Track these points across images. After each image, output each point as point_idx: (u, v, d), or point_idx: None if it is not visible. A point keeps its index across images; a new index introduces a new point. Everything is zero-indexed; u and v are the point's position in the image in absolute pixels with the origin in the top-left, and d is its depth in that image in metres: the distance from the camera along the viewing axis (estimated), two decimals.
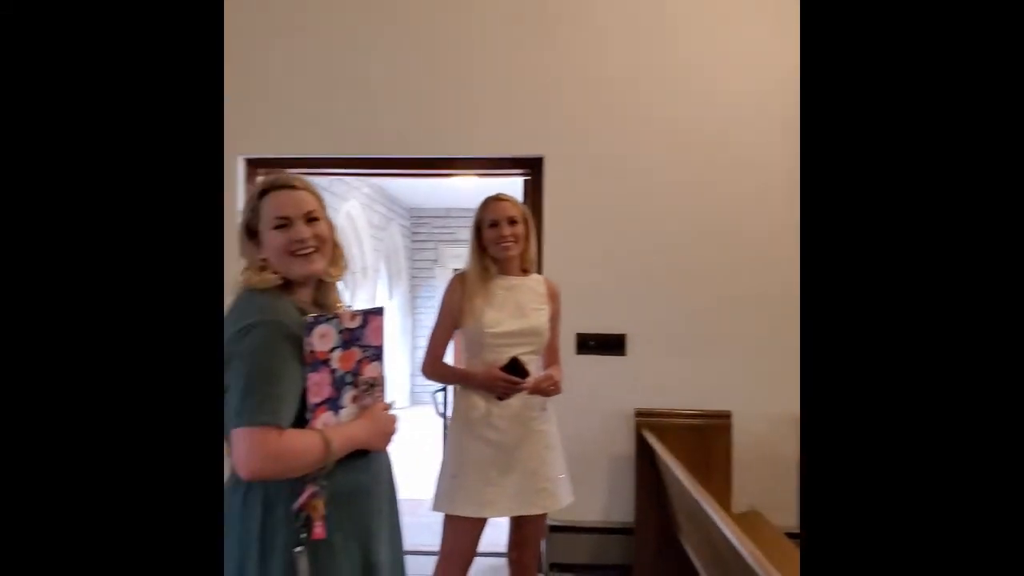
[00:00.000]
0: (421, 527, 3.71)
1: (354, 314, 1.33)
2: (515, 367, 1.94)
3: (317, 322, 1.26)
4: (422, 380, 9.37)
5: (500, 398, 1.97)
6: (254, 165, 3.20)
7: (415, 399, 8.52)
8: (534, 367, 2.05)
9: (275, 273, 1.34)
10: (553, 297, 2.16)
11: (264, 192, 1.37)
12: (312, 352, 1.26)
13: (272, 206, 1.35)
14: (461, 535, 1.99)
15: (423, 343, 8.32)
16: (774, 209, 3.05)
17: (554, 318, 2.13)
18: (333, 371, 1.30)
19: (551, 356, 2.17)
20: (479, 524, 1.99)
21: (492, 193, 2.14)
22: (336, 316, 1.30)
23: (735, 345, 3.05)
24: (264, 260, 1.36)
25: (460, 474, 1.98)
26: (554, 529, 3.02)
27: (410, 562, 3.40)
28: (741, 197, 3.07)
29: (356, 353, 1.34)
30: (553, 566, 3.04)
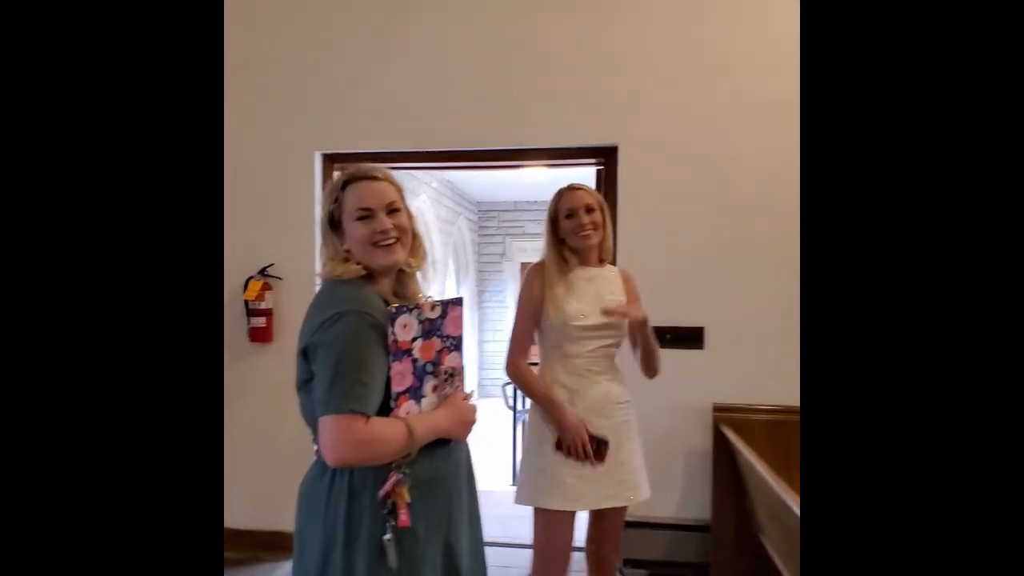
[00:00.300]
0: (491, 519, 3.74)
1: (434, 304, 1.35)
2: (600, 446, 1.92)
3: (399, 312, 1.28)
4: (491, 373, 9.42)
5: (559, 447, 1.93)
6: (330, 160, 3.28)
7: (484, 392, 8.58)
8: (617, 359, 2.03)
9: (358, 264, 1.36)
10: (629, 285, 2.15)
11: (346, 183, 1.39)
12: (395, 341, 1.27)
13: (354, 197, 1.37)
14: (554, 530, 1.97)
15: (490, 336, 8.37)
16: None
17: (631, 288, 2.13)
18: (415, 360, 1.31)
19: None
20: (571, 517, 1.97)
21: (564, 184, 2.11)
22: (418, 306, 1.31)
23: None
24: (347, 251, 1.38)
25: (548, 466, 1.96)
26: (628, 525, 2.98)
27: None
28: None
29: (436, 343, 1.35)
30: (627, 562, 3.00)
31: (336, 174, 3.22)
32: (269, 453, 3.26)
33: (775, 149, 2.95)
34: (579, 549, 2.11)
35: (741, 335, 2.97)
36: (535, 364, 2.08)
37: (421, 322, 1.31)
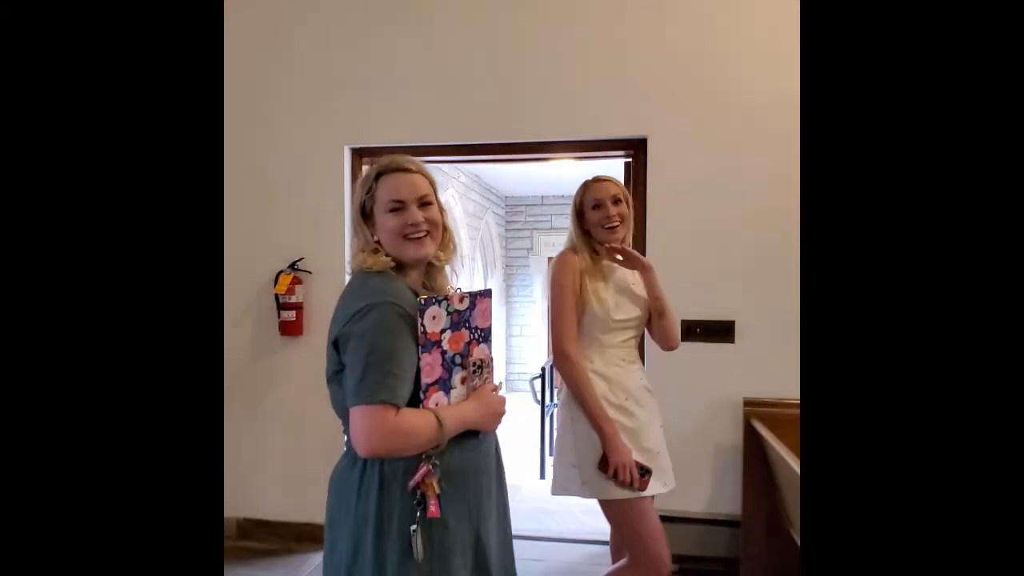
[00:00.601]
0: (519, 513, 3.74)
1: (463, 296, 1.35)
2: (645, 474, 1.90)
3: (429, 303, 1.28)
4: (519, 367, 9.42)
5: (602, 467, 1.90)
6: (359, 154, 3.30)
7: (511, 386, 8.58)
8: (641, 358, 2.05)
9: (387, 255, 1.36)
10: (652, 280, 2.10)
11: (380, 174, 1.40)
12: (424, 333, 1.28)
13: (387, 189, 1.37)
14: (647, 514, 1.94)
15: (518, 331, 8.37)
16: None
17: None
18: (443, 352, 1.32)
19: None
20: (648, 500, 1.95)
21: (585, 179, 2.10)
22: (447, 298, 1.31)
23: None
24: (377, 242, 1.38)
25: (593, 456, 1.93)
26: (659, 519, 2.96)
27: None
28: None
29: (465, 335, 1.36)
30: None
31: (365, 167, 3.24)
32: (300, 445, 3.30)
33: None
34: (604, 543, 2.08)
35: (772, 329, 2.93)
36: None
37: (450, 314, 1.32)
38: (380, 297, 1.27)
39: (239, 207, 3.29)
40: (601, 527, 2.06)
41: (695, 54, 2.98)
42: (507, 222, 8.72)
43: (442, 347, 1.31)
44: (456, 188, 6.39)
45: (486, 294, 1.40)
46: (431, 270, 1.46)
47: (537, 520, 3.47)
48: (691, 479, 2.99)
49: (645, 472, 1.89)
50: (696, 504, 2.99)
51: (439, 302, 1.30)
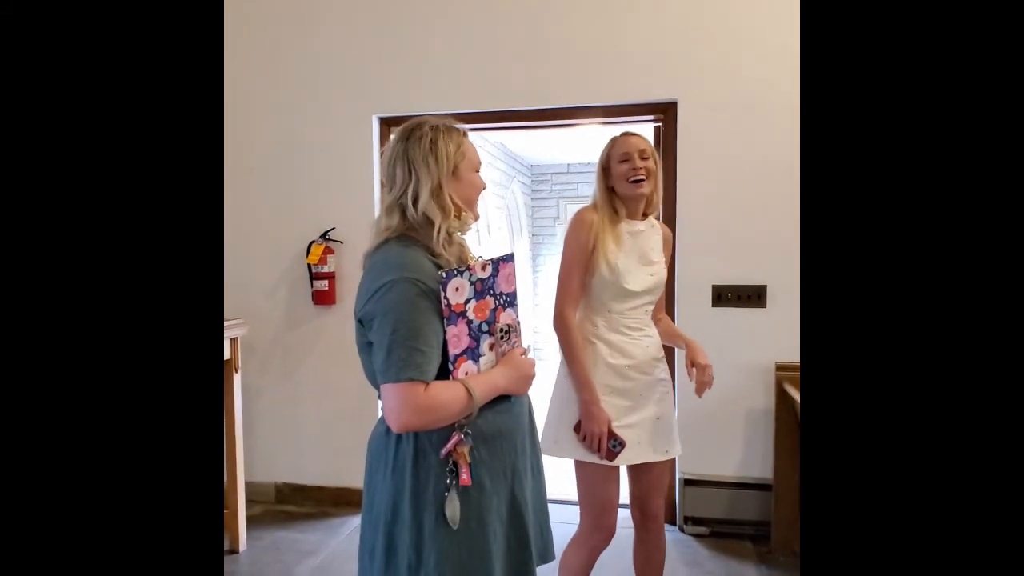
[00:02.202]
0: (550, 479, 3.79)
1: (484, 264, 1.33)
2: (616, 446, 1.91)
3: (450, 276, 1.26)
4: (543, 335, 9.39)
5: (577, 430, 1.93)
6: (387, 124, 3.30)
7: (537, 354, 8.62)
8: (652, 327, 2.04)
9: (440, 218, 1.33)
10: (668, 244, 2.10)
11: (466, 135, 1.42)
12: (448, 306, 1.27)
13: (475, 152, 1.42)
14: (601, 483, 1.98)
15: (544, 300, 8.37)
16: None
17: (669, 267, 2.08)
18: (469, 322, 1.31)
19: (660, 307, 2.12)
20: (616, 470, 1.98)
21: (613, 135, 2.07)
22: (468, 268, 1.30)
23: None
24: (447, 199, 1.34)
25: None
26: (689, 483, 2.99)
27: None
28: None
29: (490, 302, 1.35)
30: (687, 519, 3.02)
31: (377, 124, 3.23)
32: (334, 412, 3.36)
33: None
34: (623, 506, 2.10)
35: None
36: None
37: (472, 283, 1.30)
38: (400, 273, 1.26)
39: (270, 179, 3.33)
40: (625, 492, 2.08)
41: (725, 15, 2.91)
42: (533, 191, 8.68)
43: (467, 317, 1.30)
44: (482, 157, 6.37)
45: (508, 258, 1.39)
46: (453, 238, 1.43)
47: (561, 483, 3.52)
48: (723, 443, 3.00)
49: (618, 444, 1.90)
50: (728, 468, 3.00)
51: (461, 273, 1.28)
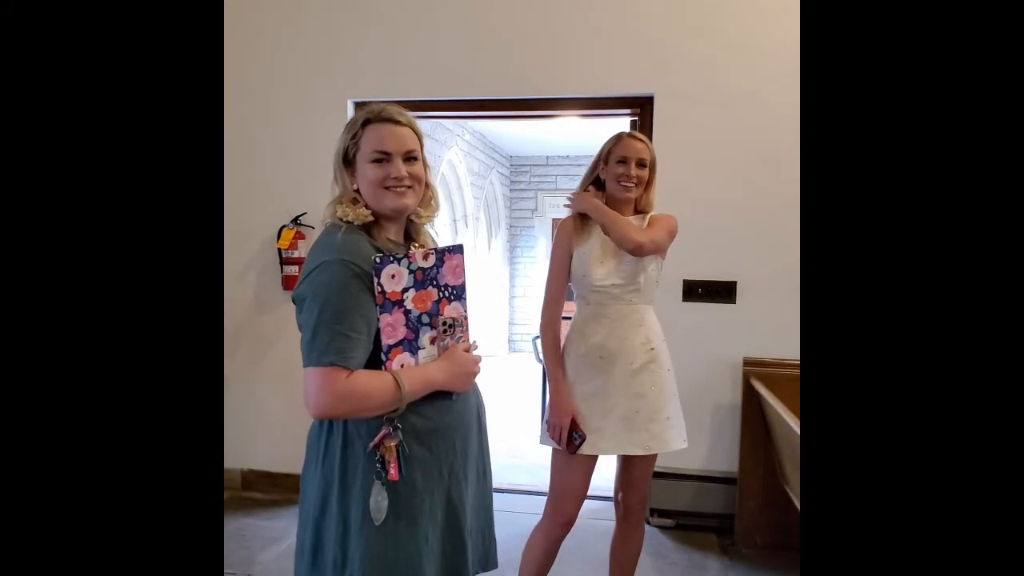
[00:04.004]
0: (520, 469, 3.80)
1: (427, 253, 1.29)
2: (576, 438, 1.94)
3: (385, 262, 1.22)
4: (521, 328, 9.46)
5: (548, 423, 1.98)
6: (362, 108, 3.26)
7: (513, 347, 8.64)
8: (647, 317, 2.02)
9: (366, 207, 1.31)
10: (654, 225, 2.03)
11: (367, 122, 1.32)
12: (382, 293, 1.22)
13: (374, 139, 1.30)
14: (567, 472, 1.99)
15: (521, 292, 8.43)
16: None
17: (649, 224, 2.02)
18: (408, 312, 1.27)
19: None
20: (586, 461, 1.99)
21: (608, 136, 2.07)
22: (407, 255, 1.26)
23: None
24: (356, 191, 1.33)
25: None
26: (656, 475, 3.00)
27: (510, 500, 3.50)
28: None
29: (433, 293, 1.30)
30: (654, 511, 3.04)
31: (352, 108, 3.20)
32: (303, 399, 3.33)
33: None
34: (607, 498, 2.12)
35: (773, 290, 2.93)
36: (569, 318, 2.07)
37: (413, 272, 1.26)
38: (335, 255, 1.22)
39: (241, 161, 3.28)
40: (597, 482, 2.10)
41: (703, 10, 2.92)
42: (512, 182, 8.67)
43: (405, 307, 1.26)
44: (460, 146, 6.34)
45: (456, 250, 1.34)
46: (412, 227, 1.41)
47: (536, 475, 3.54)
48: (690, 437, 3.00)
49: (578, 436, 1.94)
50: (695, 461, 3.03)
51: (398, 260, 1.24)
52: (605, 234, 1.96)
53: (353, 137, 1.32)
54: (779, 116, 2.88)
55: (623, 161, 1.98)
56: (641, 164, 1.99)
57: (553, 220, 8.45)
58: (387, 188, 1.30)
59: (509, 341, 8.66)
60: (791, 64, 2.85)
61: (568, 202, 2.08)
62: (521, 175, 8.64)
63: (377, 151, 1.30)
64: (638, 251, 1.91)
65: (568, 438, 1.94)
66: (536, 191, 8.61)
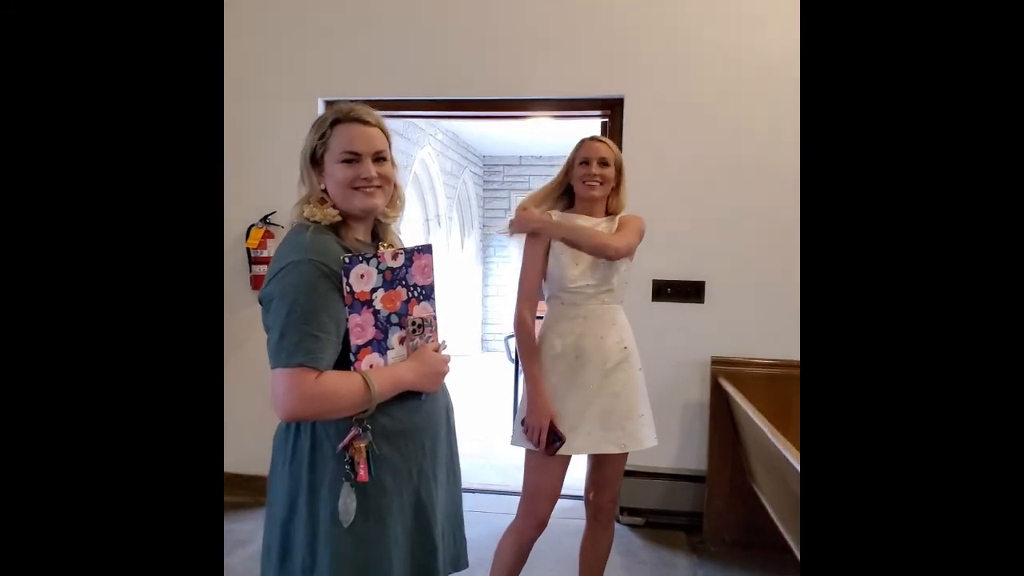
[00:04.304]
0: (493, 469, 3.81)
1: (396, 252, 1.28)
2: (555, 440, 1.93)
3: (354, 262, 1.21)
4: (493, 328, 9.45)
5: (523, 423, 1.97)
6: (332, 107, 3.24)
7: (486, 347, 8.64)
8: (618, 317, 2.04)
9: (334, 207, 1.30)
10: (624, 228, 2.05)
11: (336, 121, 1.32)
12: (351, 293, 1.22)
13: (343, 139, 1.29)
14: (540, 472, 2.00)
15: (493, 292, 8.45)
16: None
17: (618, 228, 2.04)
18: (376, 312, 1.26)
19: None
20: (559, 461, 2.00)
21: (580, 138, 2.10)
22: (376, 255, 1.25)
23: None
24: (324, 191, 1.32)
25: None
26: (626, 474, 3.02)
27: (482, 500, 3.49)
28: None
29: (402, 293, 1.29)
30: (624, 510, 3.06)
31: (323, 107, 3.18)
32: (270, 401, 3.29)
33: (782, 105, 2.91)
34: (578, 497, 2.13)
35: (741, 289, 2.97)
36: (540, 317, 2.07)
37: (382, 271, 1.25)
38: (304, 255, 1.20)
39: None
40: (569, 481, 2.11)
41: (672, 14, 2.95)
42: (485, 182, 8.67)
43: (374, 307, 1.25)
44: (433, 145, 6.32)
45: (425, 249, 1.33)
46: (380, 226, 1.41)
47: (507, 475, 3.54)
48: (661, 436, 3.03)
49: (557, 439, 1.94)
50: (664, 460, 3.05)
51: (367, 260, 1.23)
52: (572, 247, 1.97)
53: (321, 137, 1.32)
54: (748, 119, 2.93)
55: (585, 162, 2.02)
56: (603, 163, 2.01)
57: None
58: (356, 188, 1.29)
59: (482, 341, 8.65)
60: (761, 67, 2.90)
61: (506, 228, 2.05)
62: (494, 175, 8.64)
63: (347, 151, 1.29)
64: (616, 256, 1.95)
65: (547, 439, 1.94)
66: (509, 191, 8.62)
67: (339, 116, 1.32)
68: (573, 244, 1.97)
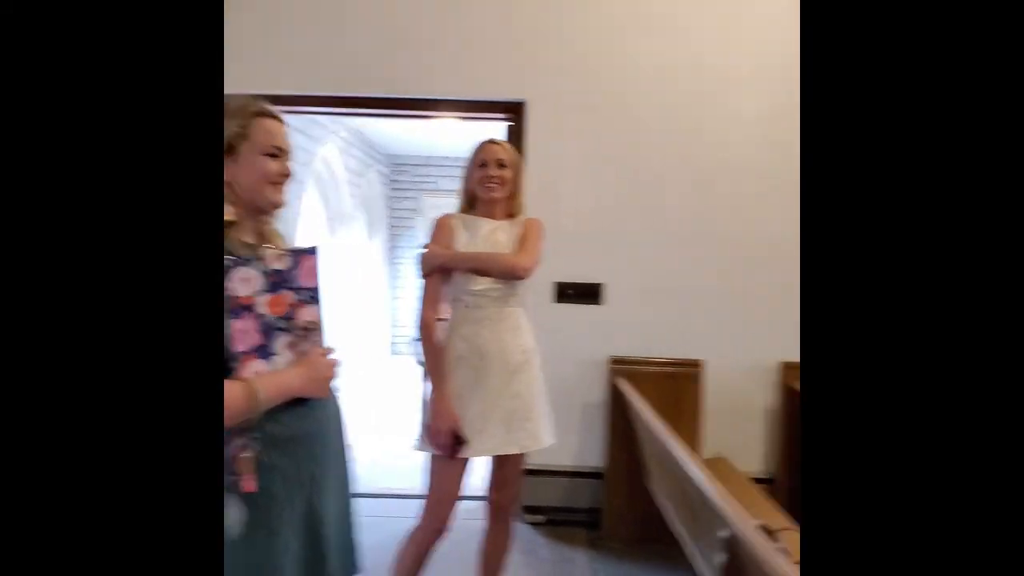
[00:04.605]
0: (398, 471, 3.77)
1: (281, 254, 1.25)
2: (459, 444, 1.94)
3: (236, 265, 1.18)
4: (403, 330, 9.31)
5: (430, 429, 1.96)
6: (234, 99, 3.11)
7: (395, 349, 8.53)
8: (521, 320, 2.06)
9: (232, 204, 1.27)
10: (529, 233, 2.08)
11: (258, 115, 1.30)
12: (234, 298, 1.18)
13: (269, 134, 1.30)
14: (442, 476, 2.00)
15: (402, 293, 8.33)
16: (756, 163, 3.05)
17: (522, 237, 2.06)
18: (260, 316, 1.22)
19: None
20: (460, 464, 2.01)
21: (481, 139, 2.12)
22: (258, 257, 1.22)
23: (710, 296, 3.08)
24: (228, 183, 1.28)
25: None
26: (529, 473, 3.06)
27: (384, 505, 3.45)
28: (725, 150, 3.05)
29: (288, 296, 1.25)
30: (526, 508, 3.10)
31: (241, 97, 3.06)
32: None
33: (678, 109, 3.03)
34: (481, 498, 2.14)
35: (638, 290, 3.07)
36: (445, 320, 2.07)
37: (266, 274, 1.21)
38: None
39: None
40: (473, 482, 2.12)
41: (574, 21, 3.02)
42: (392, 181, 8.56)
43: (257, 311, 1.21)
44: (336, 143, 6.19)
45: (311, 251, 1.29)
46: (265, 228, 1.38)
47: (411, 479, 3.52)
48: (561, 434, 3.08)
49: (460, 442, 1.95)
50: (565, 458, 3.11)
51: (248, 263, 1.19)
52: (483, 275, 1.99)
53: (242, 127, 1.28)
54: (645, 124, 3.03)
55: (483, 165, 2.05)
56: (500, 165, 2.04)
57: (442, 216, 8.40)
58: (274, 184, 1.31)
59: (391, 343, 8.54)
60: (659, 72, 3.01)
61: (419, 269, 2.05)
62: (402, 175, 8.54)
63: (274, 146, 1.31)
64: (527, 275, 2.00)
65: (451, 443, 1.94)
66: (418, 191, 8.54)
67: (260, 111, 1.32)
68: (483, 272, 1.99)
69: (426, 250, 2.07)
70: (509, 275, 1.98)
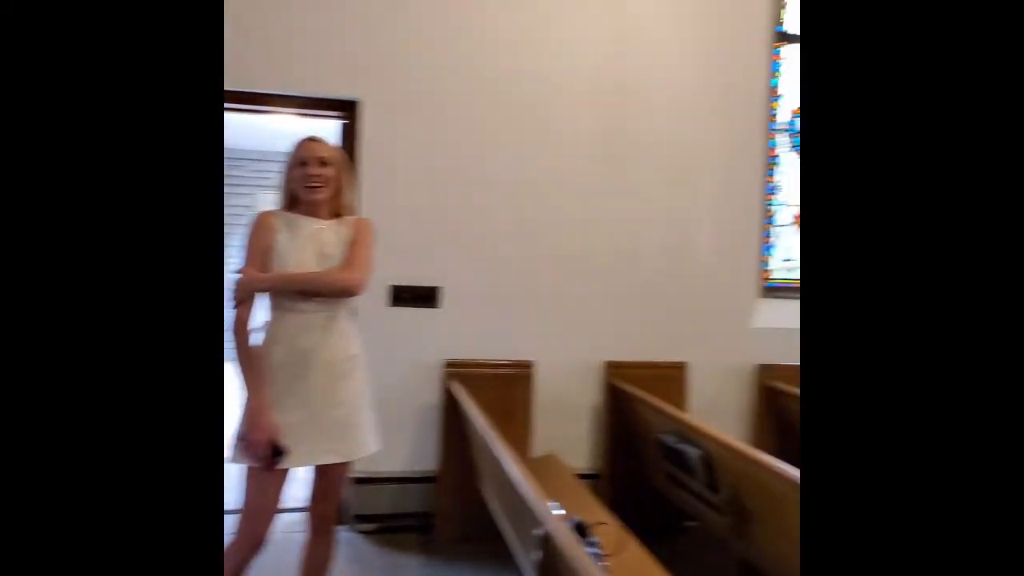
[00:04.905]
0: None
1: None
2: (277, 456, 1.84)
3: None
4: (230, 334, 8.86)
5: (240, 438, 1.87)
6: None
7: (228, 353, 8.05)
8: (346, 325, 1.99)
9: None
10: (356, 232, 2.01)
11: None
12: None
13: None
14: (259, 488, 1.89)
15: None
16: (586, 175, 3.20)
17: (352, 243, 1.98)
18: None
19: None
20: (278, 476, 1.91)
21: (299, 136, 2.01)
22: None
23: (541, 299, 3.18)
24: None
25: None
26: (358, 481, 3.00)
27: None
28: (558, 160, 3.17)
29: None
30: (357, 517, 3.03)
31: None
32: None
33: (513, 117, 3.10)
34: (302, 509, 2.06)
35: (474, 294, 3.11)
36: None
37: None
38: None
39: None
40: (293, 494, 2.03)
41: (409, 24, 3.01)
42: (227, 176, 8.09)
43: None
44: None
45: None
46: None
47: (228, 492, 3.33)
48: (393, 439, 3.05)
49: (279, 453, 1.86)
50: (396, 464, 3.08)
51: None
52: (313, 296, 1.90)
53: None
54: (483, 127, 3.08)
55: (303, 163, 1.94)
56: (323, 163, 1.95)
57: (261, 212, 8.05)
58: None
59: (227, 348, 8.05)
60: (493, 75, 3.07)
61: (232, 295, 1.90)
62: (235, 170, 8.09)
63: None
64: (362, 291, 1.93)
65: (269, 455, 1.83)
66: (252, 187, 8.13)
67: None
68: (313, 293, 1.90)
69: (241, 275, 1.92)
70: (341, 294, 1.92)
